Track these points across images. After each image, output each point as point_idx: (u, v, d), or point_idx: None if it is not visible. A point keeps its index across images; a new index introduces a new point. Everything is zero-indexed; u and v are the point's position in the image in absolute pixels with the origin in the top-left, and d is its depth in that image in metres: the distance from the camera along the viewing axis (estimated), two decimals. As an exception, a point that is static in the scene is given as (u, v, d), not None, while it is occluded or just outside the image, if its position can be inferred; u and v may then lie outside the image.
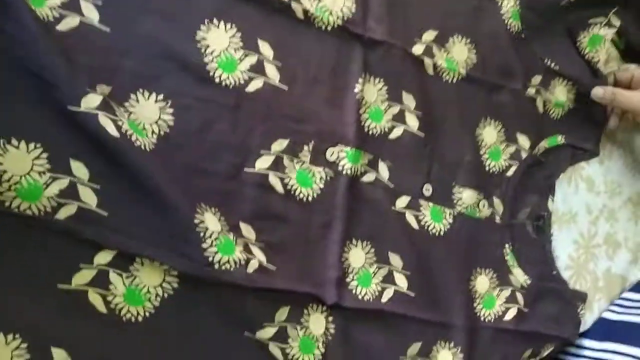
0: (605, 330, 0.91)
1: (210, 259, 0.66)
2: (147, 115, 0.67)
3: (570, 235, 0.96)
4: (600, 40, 0.93)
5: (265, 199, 0.73)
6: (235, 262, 0.67)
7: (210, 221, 0.67)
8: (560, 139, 0.94)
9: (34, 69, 0.60)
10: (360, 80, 0.79)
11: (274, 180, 0.74)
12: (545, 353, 0.89)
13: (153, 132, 0.67)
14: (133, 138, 0.64)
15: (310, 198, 0.76)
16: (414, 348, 0.80)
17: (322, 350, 0.74)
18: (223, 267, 0.66)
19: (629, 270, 1.01)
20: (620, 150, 1.02)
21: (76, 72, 0.62)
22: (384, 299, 0.79)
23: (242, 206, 0.71)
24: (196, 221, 0.66)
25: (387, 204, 0.81)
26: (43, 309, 0.60)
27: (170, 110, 0.68)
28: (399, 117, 0.83)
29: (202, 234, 0.66)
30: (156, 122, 0.68)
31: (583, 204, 0.98)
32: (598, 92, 0.93)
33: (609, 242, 1.00)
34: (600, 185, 1.00)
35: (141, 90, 0.67)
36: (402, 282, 0.81)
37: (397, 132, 0.83)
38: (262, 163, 0.73)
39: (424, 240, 0.83)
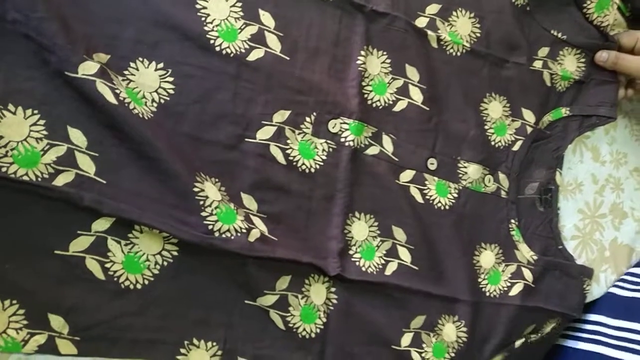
0: (617, 307, 0.88)
1: (211, 227, 0.64)
2: (147, 84, 0.66)
3: (576, 204, 0.94)
4: (607, 3, 0.89)
5: (266, 169, 0.71)
6: (236, 231, 0.65)
7: (210, 190, 0.65)
8: (564, 111, 0.91)
9: (31, 34, 0.58)
10: (363, 52, 0.77)
11: (275, 151, 0.72)
12: (548, 329, 0.86)
13: (153, 100, 0.65)
14: (131, 106, 0.62)
15: (312, 170, 0.74)
16: (418, 321, 0.78)
17: (324, 320, 0.72)
18: (224, 236, 0.65)
19: (635, 241, 0.98)
20: (626, 120, 1.00)
21: (74, 39, 0.60)
22: (388, 272, 0.77)
23: (243, 176, 0.70)
24: (196, 190, 0.64)
25: (391, 177, 0.79)
26: (40, 275, 0.59)
27: (171, 79, 0.67)
28: (403, 90, 0.81)
29: (202, 203, 0.64)
30: (156, 91, 0.66)
31: (588, 173, 0.96)
32: (602, 56, 0.91)
33: (615, 212, 0.98)
34: (605, 155, 0.97)
35: (141, 58, 0.66)
36: (405, 256, 0.78)
37: (401, 105, 0.81)
38: (264, 134, 0.71)
39: (428, 214, 0.81)
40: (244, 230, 0.66)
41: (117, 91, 0.61)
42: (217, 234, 0.64)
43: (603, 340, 0.85)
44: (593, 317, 0.89)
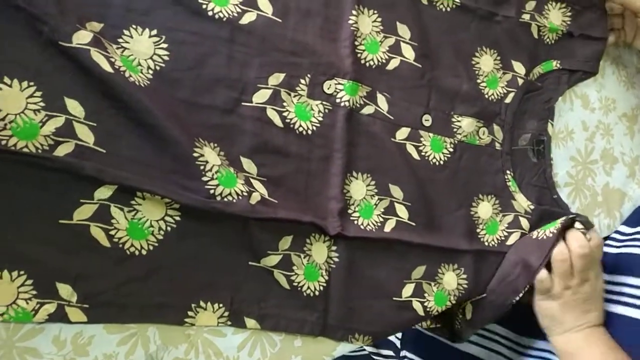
0: (610, 263, 0.86)
1: (212, 191, 0.63)
2: (141, 51, 0.64)
3: (568, 152, 0.93)
4: None
5: (264, 133, 0.70)
6: (237, 194, 0.64)
7: (210, 155, 0.64)
8: (555, 64, 0.90)
9: (21, 4, 0.57)
10: (354, 11, 0.76)
11: (272, 114, 0.70)
12: None
13: (148, 67, 0.64)
14: (127, 74, 0.61)
15: (309, 131, 0.73)
16: (419, 271, 0.77)
17: (326, 277, 0.71)
18: (225, 199, 0.64)
19: (626, 184, 0.98)
20: (613, 67, 0.99)
21: (65, 7, 0.59)
22: (387, 229, 0.76)
23: (241, 140, 0.69)
24: (195, 155, 0.63)
25: (386, 135, 0.78)
26: (46, 245, 0.58)
27: (165, 45, 0.65)
28: (395, 48, 0.80)
29: (202, 168, 0.63)
30: (151, 58, 0.64)
31: (579, 120, 0.95)
32: None
33: (606, 158, 0.97)
34: (595, 101, 0.97)
35: (134, 25, 0.64)
36: (403, 213, 0.78)
37: (394, 63, 0.79)
38: (260, 97, 0.70)
39: (424, 170, 0.80)
40: (245, 194, 0.65)
41: (112, 60, 0.60)
42: (218, 198, 0.63)
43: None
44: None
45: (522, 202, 0.85)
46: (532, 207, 0.85)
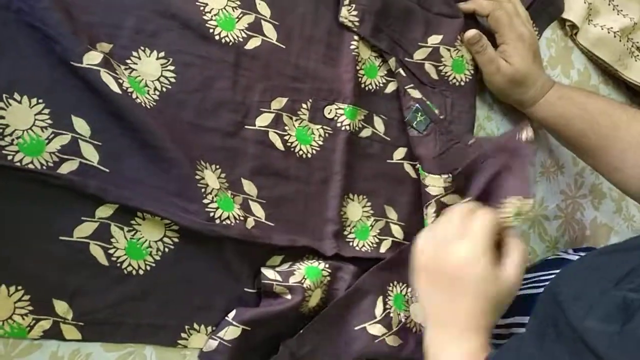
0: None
1: (212, 214, 0.64)
2: (149, 72, 0.64)
3: (558, 186, 0.95)
4: None
5: (265, 155, 0.71)
6: (235, 218, 0.65)
7: (210, 178, 0.65)
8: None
9: (36, 24, 0.57)
10: (356, 37, 0.77)
11: (274, 137, 0.71)
12: None
13: (155, 89, 0.64)
14: (134, 95, 0.61)
15: (309, 155, 0.73)
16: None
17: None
18: (224, 222, 0.64)
19: (613, 220, 1.01)
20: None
21: (77, 28, 0.59)
22: (382, 250, 0.77)
23: (243, 162, 0.69)
24: (197, 177, 0.63)
25: (384, 157, 0.80)
26: (45, 261, 0.58)
27: (172, 68, 0.66)
28: (392, 73, 0.82)
29: (203, 190, 0.63)
30: (158, 79, 0.65)
31: (569, 155, 0.96)
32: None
33: (595, 193, 0.99)
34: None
35: (142, 47, 0.64)
36: (398, 233, 0.79)
37: (391, 87, 0.81)
38: (262, 120, 0.71)
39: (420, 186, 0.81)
40: (242, 218, 0.66)
41: (121, 81, 0.60)
42: (217, 221, 0.64)
43: None
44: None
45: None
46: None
